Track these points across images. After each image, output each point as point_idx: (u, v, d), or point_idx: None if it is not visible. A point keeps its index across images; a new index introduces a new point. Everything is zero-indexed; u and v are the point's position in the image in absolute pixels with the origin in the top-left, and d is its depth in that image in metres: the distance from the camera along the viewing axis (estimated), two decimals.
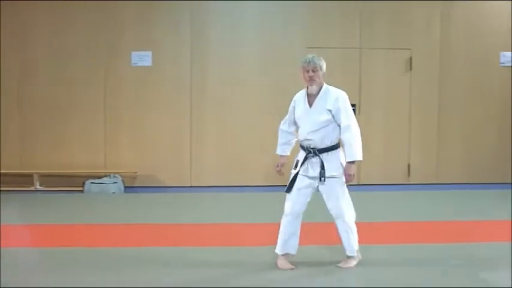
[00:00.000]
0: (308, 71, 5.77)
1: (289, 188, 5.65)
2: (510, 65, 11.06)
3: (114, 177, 10.28)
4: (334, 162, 5.57)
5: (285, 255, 5.70)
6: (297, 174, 5.65)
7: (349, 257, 5.71)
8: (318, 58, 5.80)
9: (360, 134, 5.57)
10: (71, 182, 10.34)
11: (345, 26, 10.77)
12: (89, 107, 10.49)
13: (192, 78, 10.60)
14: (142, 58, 10.56)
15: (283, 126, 6.03)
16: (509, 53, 11.05)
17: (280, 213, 5.72)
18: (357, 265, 5.72)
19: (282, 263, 5.68)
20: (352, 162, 5.48)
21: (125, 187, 10.35)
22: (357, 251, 5.74)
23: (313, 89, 5.77)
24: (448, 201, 9.61)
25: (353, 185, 10.45)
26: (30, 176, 10.26)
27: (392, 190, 10.61)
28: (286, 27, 10.71)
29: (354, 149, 5.46)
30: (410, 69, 10.89)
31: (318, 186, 5.62)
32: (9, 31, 10.32)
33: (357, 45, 10.79)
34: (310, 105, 5.74)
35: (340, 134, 5.59)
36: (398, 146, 10.94)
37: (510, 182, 10.90)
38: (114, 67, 10.50)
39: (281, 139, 6.06)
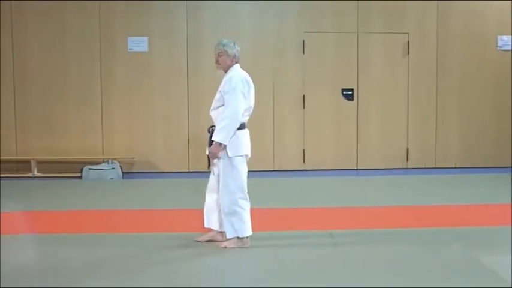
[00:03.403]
0: (215, 55, 5.99)
1: (208, 167, 5.93)
2: (507, 48, 11.04)
3: (112, 163, 10.26)
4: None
5: (213, 231, 5.93)
6: None
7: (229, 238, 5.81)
8: (223, 43, 5.97)
9: (233, 119, 5.61)
10: (69, 168, 10.31)
11: (342, 10, 10.72)
12: (85, 93, 10.44)
13: (189, 63, 10.55)
14: (139, 44, 10.51)
15: None
16: (507, 36, 11.02)
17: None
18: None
19: (204, 236, 5.96)
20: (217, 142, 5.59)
21: (123, 173, 10.33)
22: (245, 237, 5.77)
23: (221, 72, 6.01)
24: (447, 186, 9.62)
25: (351, 170, 10.64)
26: (28, 162, 10.23)
27: (391, 175, 10.61)
28: (283, 11, 10.66)
29: (218, 130, 5.60)
30: (408, 53, 10.86)
31: None
32: (2, 15, 10.25)
33: (354, 29, 10.74)
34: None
35: None
36: (397, 130, 10.93)
37: (509, 165, 10.93)
38: (110, 53, 10.44)
39: None
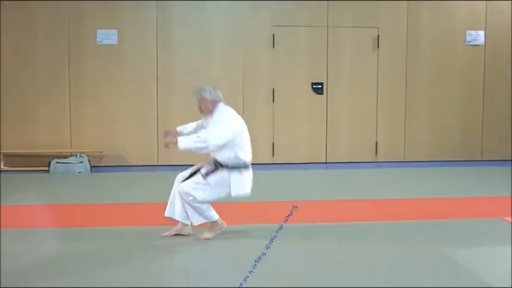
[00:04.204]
0: (197, 103, 5.98)
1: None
2: (476, 43, 11.14)
3: (80, 156, 10.17)
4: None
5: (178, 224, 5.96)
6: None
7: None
8: (201, 89, 5.95)
9: (206, 147, 5.72)
10: (36, 162, 10.19)
11: (312, 4, 10.73)
12: (54, 87, 10.33)
13: (158, 56, 10.49)
14: (108, 36, 10.43)
15: None
16: (475, 31, 11.12)
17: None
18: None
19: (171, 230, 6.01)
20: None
21: (91, 167, 10.24)
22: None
23: (205, 118, 5.98)
24: (415, 179, 9.69)
25: (321, 163, 10.67)
26: None
27: (360, 168, 10.66)
28: (254, 6, 10.64)
29: (184, 137, 5.82)
30: (378, 47, 10.92)
31: None
32: None
33: (324, 23, 10.76)
34: None
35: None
36: (366, 124, 10.99)
37: (479, 159, 11.07)
38: (79, 46, 10.34)
39: None
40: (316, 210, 7.38)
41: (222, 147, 5.74)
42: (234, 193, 5.84)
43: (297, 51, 10.77)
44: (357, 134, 10.94)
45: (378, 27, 10.90)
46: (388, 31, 10.94)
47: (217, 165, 5.82)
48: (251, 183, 5.94)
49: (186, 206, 5.82)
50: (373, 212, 7.30)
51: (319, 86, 10.78)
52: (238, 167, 5.82)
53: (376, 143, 11.00)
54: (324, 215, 7.10)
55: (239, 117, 5.96)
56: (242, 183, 5.85)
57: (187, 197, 5.74)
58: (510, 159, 11.08)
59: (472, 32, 11.15)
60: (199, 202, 5.75)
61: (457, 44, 11.13)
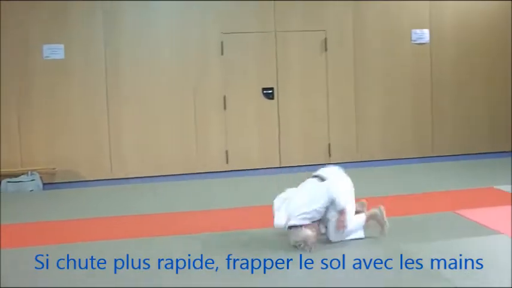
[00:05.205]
0: None
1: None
2: (422, 41, 11.31)
3: (32, 174, 10.01)
4: None
5: None
6: None
7: None
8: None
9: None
10: None
11: (259, 10, 10.77)
12: (1, 103, 10.16)
13: (107, 69, 10.41)
14: (55, 51, 10.30)
15: None
16: (420, 30, 11.29)
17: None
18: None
19: None
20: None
21: (44, 184, 10.10)
22: None
23: None
24: (368, 179, 9.77)
25: (275, 168, 10.70)
26: None
27: (314, 171, 10.67)
28: (201, 14, 10.63)
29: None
30: (326, 50, 11.00)
31: None
32: None
33: (272, 28, 10.81)
34: None
35: None
36: (318, 126, 11.05)
37: (430, 155, 11.24)
38: (25, 61, 10.18)
39: None
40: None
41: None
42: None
43: (246, 57, 10.79)
44: (309, 136, 11.00)
45: (325, 30, 10.98)
46: (335, 33, 11.03)
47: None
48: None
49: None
50: None
51: (270, 91, 10.81)
52: None
53: (329, 144, 11.07)
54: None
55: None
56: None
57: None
58: (459, 153, 11.30)
59: (417, 30, 11.31)
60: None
61: (403, 43, 11.28)
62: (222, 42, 10.64)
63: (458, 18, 11.37)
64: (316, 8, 10.93)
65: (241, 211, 7.77)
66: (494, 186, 8.53)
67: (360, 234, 6.11)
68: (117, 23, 10.43)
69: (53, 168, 10.26)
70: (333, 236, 5.98)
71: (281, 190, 6.12)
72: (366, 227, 6.14)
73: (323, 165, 10.88)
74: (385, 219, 6.10)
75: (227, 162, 10.72)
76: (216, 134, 10.70)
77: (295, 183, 6.26)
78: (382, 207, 6.17)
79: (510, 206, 7.17)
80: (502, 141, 11.56)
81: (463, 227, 6.47)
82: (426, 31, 11.31)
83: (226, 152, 10.73)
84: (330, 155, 11.03)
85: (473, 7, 11.40)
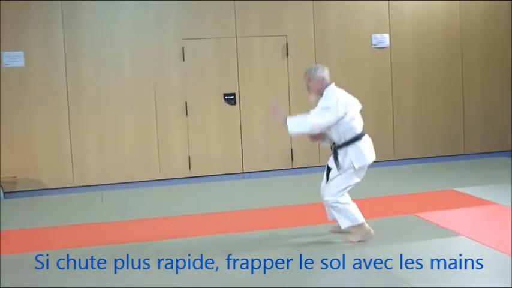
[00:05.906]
0: (306, 83, 6.39)
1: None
2: (382, 46, 11.46)
3: None
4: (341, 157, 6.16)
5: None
6: None
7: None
8: (311, 68, 6.37)
9: (308, 128, 6.26)
10: None
11: (220, 17, 10.81)
12: None
13: (68, 76, 10.34)
14: (14, 59, 10.21)
15: None
16: (380, 34, 11.44)
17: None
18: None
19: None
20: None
21: (5, 193, 9.99)
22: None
23: (312, 97, 6.42)
24: None
25: (238, 173, 10.73)
26: None
27: (277, 176, 10.77)
28: (162, 20, 10.63)
29: (295, 118, 6.21)
30: (287, 55, 11.08)
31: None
32: None
33: (233, 34, 10.85)
34: None
35: None
36: (280, 131, 10.96)
37: (392, 158, 11.37)
38: None
39: None
40: (235, 220, 7.45)
41: (331, 126, 6.07)
42: (357, 165, 6.08)
43: (207, 63, 10.82)
44: (272, 142, 11.05)
45: (286, 35, 11.06)
46: (295, 38, 11.11)
47: (336, 151, 6.14)
48: (371, 150, 6.25)
49: (331, 210, 6.14)
50: (293, 217, 7.45)
51: (232, 97, 10.85)
52: (352, 140, 6.09)
53: (291, 149, 11.14)
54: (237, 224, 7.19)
55: (346, 94, 6.24)
56: (361, 154, 6.12)
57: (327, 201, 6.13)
58: (419, 157, 11.48)
59: (378, 35, 11.46)
60: (336, 199, 6.06)
61: (364, 48, 11.41)
62: (183, 48, 10.65)
63: (417, 22, 11.55)
64: (277, 14, 11.01)
65: (202, 217, 7.79)
66: (455, 189, 8.68)
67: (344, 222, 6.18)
68: (77, 29, 10.36)
69: (14, 177, 10.15)
70: None
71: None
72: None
73: (286, 170, 11.11)
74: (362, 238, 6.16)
75: (190, 169, 10.72)
76: (178, 140, 10.71)
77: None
78: (372, 232, 6.20)
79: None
80: (459, 145, 11.83)
81: (423, 230, 6.57)
82: (386, 35, 11.46)
83: (189, 157, 10.73)
84: (292, 160, 11.11)
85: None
